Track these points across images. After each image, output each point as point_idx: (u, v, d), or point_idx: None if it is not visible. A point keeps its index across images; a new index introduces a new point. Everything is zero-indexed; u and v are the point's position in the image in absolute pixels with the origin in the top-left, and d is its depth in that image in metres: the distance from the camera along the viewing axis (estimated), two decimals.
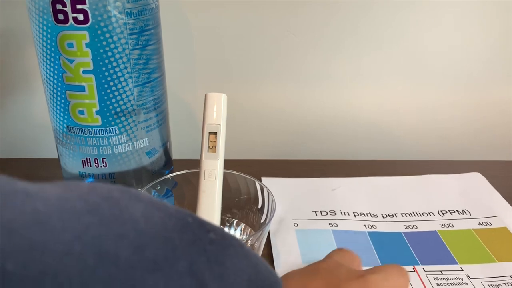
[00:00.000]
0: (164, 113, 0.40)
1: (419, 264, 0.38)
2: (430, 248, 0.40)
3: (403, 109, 0.57)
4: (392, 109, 0.57)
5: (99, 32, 0.33)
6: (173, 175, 0.37)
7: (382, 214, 0.44)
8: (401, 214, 0.44)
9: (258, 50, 0.54)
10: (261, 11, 0.51)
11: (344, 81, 0.55)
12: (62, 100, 0.35)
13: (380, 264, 0.38)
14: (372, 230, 0.42)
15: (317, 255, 0.38)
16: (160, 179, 0.36)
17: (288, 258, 0.38)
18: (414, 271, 0.37)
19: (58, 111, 0.36)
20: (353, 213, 0.44)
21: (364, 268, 0.37)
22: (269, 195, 0.35)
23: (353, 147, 0.59)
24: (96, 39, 0.33)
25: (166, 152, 0.41)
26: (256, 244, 0.32)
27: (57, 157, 0.52)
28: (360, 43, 0.53)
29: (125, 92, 0.35)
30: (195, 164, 0.36)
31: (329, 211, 0.44)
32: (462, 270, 0.37)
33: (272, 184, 0.48)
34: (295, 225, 0.42)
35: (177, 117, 0.50)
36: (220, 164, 0.33)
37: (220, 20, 0.52)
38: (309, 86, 0.56)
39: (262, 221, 0.35)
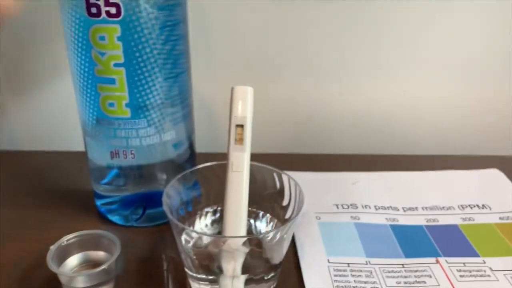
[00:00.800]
0: (190, 106, 0.40)
1: (441, 256, 0.38)
2: (452, 241, 0.40)
3: (420, 104, 0.58)
4: (409, 103, 0.57)
5: (130, 25, 0.33)
6: (200, 167, 0.37)
7: (403, 208, 0.45)
8: (422, 208, 0.45)
9: (275, 43, 0.54)
10: (279, 4, 0.52)
11: (363, 75, 0.56)
12: (92, 93, 0.36)
13: (403, 257, 0.38)
14: (394, 223, 0.43)
15: (340, 247, 0.39)
16: (188, 171, 0.36)
17: (312, 250, 0.39)
18: (437, 263, 0.38)
19: (87, 104, 0.37)
20: (374, 206, 0.45)
21: (392, 259, 0.37)
22: (297, 187, 0.35)
23: (371, 142, 0.59)
24: (127, 32, 0.33)
25: (191, 145, 0.42)
26: (285, 236, 0.33)
27: (81, 150, 0.53)
28: (379, 37, 0.54)
29: (154, 85, 0.36)
30: (216, 158, 0.37)
31: (350, 205, 0.45)
32: (485, 263, 0.38)
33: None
34: (317, 218, 0.43)
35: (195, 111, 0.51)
36: (247, 156, 0.33)
37: (236, 14, 0.52)
38: (327, 81, 0.56)
39: (290, 213, 0.36)
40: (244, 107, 0.33)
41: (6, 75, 0.55)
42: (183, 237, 0.32)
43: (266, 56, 0.55)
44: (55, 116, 0.58)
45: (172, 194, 0.35)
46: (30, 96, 0.57)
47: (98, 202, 0.43)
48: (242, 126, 0.33)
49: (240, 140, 0.34)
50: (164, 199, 0.33)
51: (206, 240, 0.33)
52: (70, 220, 0.42)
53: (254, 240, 0.33)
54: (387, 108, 0.58)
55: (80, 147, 0.54)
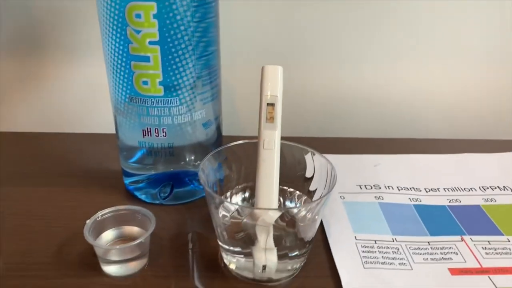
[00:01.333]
0: (219, 86, 0.41)
1: (466, 235, 0.39)
2: (475, 220, 0.41)
3: (438, 88, 0.58)
4: (427, 88, 0.58)
5: (166, 3, 0.34)
6: (232, 145, 0.38)
7: (425, 189, 0.45)
8: (444, 189, 0.46)
9: (299, 29, 0.54)
10: None
11: (382, 60, 0.56)
12: (126, 71, 0.36)
13: (429, 235, 0.39)
14: (417, 203, 0.43)
15: (366, 225, 0.40)
16: (221, 148, 0.37)
17: (338, 228, 0.40)
18: (462, 241, 0.38)
19: (120, 82, 0.37)
20: (397, 187, 0.45)
21: (417, 237, 0.38)
22: (328, 164, 0.36)
23: (389, 126, 0.60)
24: (163, 10, 0.34)
25: (219, 126, 0.43)
26: (318, 211, 0.33)
27: (105, 132, 0.54)
28: (395, 23, 0.54)
29: (187, 63, 0.36)
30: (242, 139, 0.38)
31: (373, 185, 0.46)
32: (509, 241, 0.38)
33: (311, 168, 0.49)
34: (342, 197, 0.44)
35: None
36: (278, 134, 0.34)
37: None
38: (349, 66, 0.57)
39: (320, 190, 0.36)
40: (275, 86, 0.34)
41: (35, 57, 0.56)
42: (220, 210, 0.33)
43: (286, 42, 0.55)
44: (83, 99, 0.58)
45: (206, 169, 0.35)
46: (58, 79, 0.57)
47: (127, 181, 0.44)
48: (273, 104, 0.34)
49: (271, 119, 0.34)
50: (200, 173, 0.34)
51: (243, 212, 0.34)
52: (99, 198, 0.43)
53: (287, 218, 0.34)
54: (405, 92, 0.58)
55: (104, 130, 0.55)
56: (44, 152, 0.51)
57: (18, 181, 0.46)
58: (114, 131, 0.42)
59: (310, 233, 0.34)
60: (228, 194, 0.38)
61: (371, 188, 0.45)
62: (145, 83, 0.36)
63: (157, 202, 0.42)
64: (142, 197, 0.43)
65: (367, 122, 0.60)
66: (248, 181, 0.39)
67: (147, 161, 0.41)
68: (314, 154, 0.38)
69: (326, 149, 0.51)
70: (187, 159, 0.41)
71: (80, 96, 0.58)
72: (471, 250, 0.37)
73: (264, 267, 0.33)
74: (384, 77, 0.57)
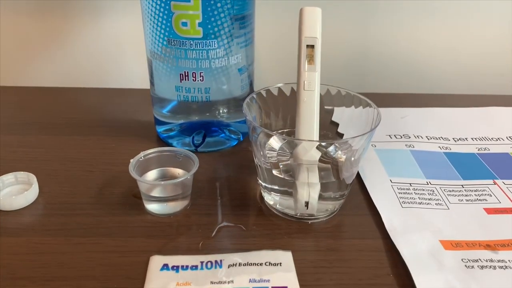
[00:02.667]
0: (253, 31, 0.41)
1: (498, 179, 0.40)
2: (505, 166, 0.42)
3: (461, 47, 0.58)
4: (451, 47, 0.58)
5: None
6: (270, 87, 0.38)
7: (453, 138, 0.46)
8: (472, 138, 0.46)
9: None
10: None
11: (412, 18, 0.56)
12: (166, 12, 0.36)
13: (461, 179, 0.40)
14: (447, 151, 0.44)
15: (400, 169, 0.41)
16: (261, 89, 0.37)
17: (373, 172, 0.40)
18: (495, 184, 0.39)
19: (159, 24, 0.37)
20: (426, 136, 0.46)
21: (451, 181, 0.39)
22: (370, 106, 0.36)
23: (413, 82, 0.60)
24: None
25: (251, 73, 0.43)
26: (353, 158, 0.33)
27: (132, 88, 0.53)
28: None
29: (226, 4, 0.36)
30: None
31: (403, 135, 0.46)
32: None
33: (343, 112, 0.49)
34: (373, 146, 0.44)
35: None
36: (317, 75, 0.34)
37: None
38: (379, 22, 0.56)
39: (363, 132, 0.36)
40: (314, 27, 0.34)
41: (58, 12, 0.55)
42: (265, 147, 0.34)
43: None
44: (108, 54, 0.58)
45: (249, 108, 0.35)
46: (82, 34, 0.57)
47: (159, 129, 0.44)
48: (312, 46, 0.34)
49: (310, 60, 0.34)
50: (245, 110, 0.34)
51: (290, 148, 0.34)
52: (133, 146, 0.43)
53: (330, 161, 0.34)
54: (431, 51, 0.58)
55: (129, 85, 0.55)
56: (71, 105, 0.51)
57: (50, 130, 0.46)
58: (140, 86, 0.42)
59: (350, 177, 0.35)
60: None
61: (401, 137, 0.46)
62: (185, 24, 0.36)
63: (186, 148, 0.43)
64: (175, 144, 0.43)
65: (392, 79, 0.60)
66: (285, 127, 0.39)
67: (182, 107, 0.41)
68: (357, 95, 0.38)
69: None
70: (220, 107, 0.41)
71: (105, 51, 0.58)
72: (504, 193, 0.38)
73: (306, 203, 0.33)
74: (414, 34, 0.57)
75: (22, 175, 0.37)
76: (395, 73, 0.60)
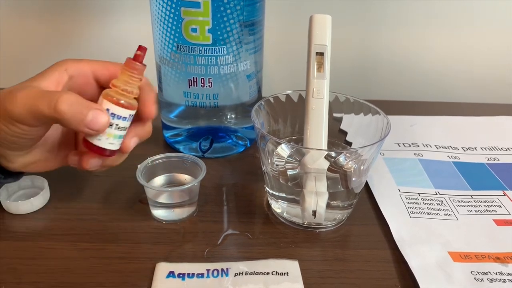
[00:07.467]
0: (262, 38, 0.41)
1: (507, 190, 0.39)
2: None
3: (471, 55, 0.58)
4: (461, 55, 0.58)
5: None
6: (278, 94, 0.37)
7: (462, 148, 0.45)
8: (481, 148, 0.46)
9: None
10: None
11: (422, 26, 0.56)
12: (176, 18, 0.36)
13: (471, 189, 0.39)
14: (456, 160, 0.43)
15: (408, 179, 0.40)
16: (270, 96, 0.37)
17: (382, 181, 0.40)
18: (505, 195, 0.39)
19: (168, 30, 0.37)
20: (435, 145, 0.45)
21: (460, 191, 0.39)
22: (379, 114, 0.35)
23: (423, 90, 0.60)
24: None
25: (259, 79, 0.42)
26: (363, 167, 0.33)
27: None
28: None
29: (236, 10, 0.36)
30: None
31: (412, 144, 0.46)
32: None
33: (352, 120, 0.49)
34: (382, 154, 0.44)
35: None
36: (327, 83, 0.34)
37: None
38: (389, 30, 0.56)
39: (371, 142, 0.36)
40: (324, 35, 0.34)
41: (66, 15, 0.56)
42: (273, 155, 0.33)
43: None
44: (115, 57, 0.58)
45: (257, 115, 0.35)
46: (90, 37, 0.57)
47: (167, 134, 0.44)
48: (322, 54, 0.34)
49: (320, 68, 0.34)
50: (254, 117, 0.34)
51: (297, 156, 0.34)
52: (140, 151, 0.43)
53: (339, 170, 0.34)
54: (436, 58, 0.58)
55: None
56: None
57: None
58: None
59: (358, 186, 0.34)
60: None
61: (410, 146, 0.45)
62: (194, 30, 0.36)
63: (193, 154, 0.42)
64: (181, 149, 0.43)
65: (400, 86, 0.60)
66: (294, 134, 0.39)
67: (190, 113, 0.41)
68: (367, 104, 0.37)
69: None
70: (227, 113, 0.41)
71: (112, 55, 0.58)
72: None
73: (314, 212, 0.33)
74: (420, 41, 0.57)
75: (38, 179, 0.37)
76: (404, 81, 0.59)
